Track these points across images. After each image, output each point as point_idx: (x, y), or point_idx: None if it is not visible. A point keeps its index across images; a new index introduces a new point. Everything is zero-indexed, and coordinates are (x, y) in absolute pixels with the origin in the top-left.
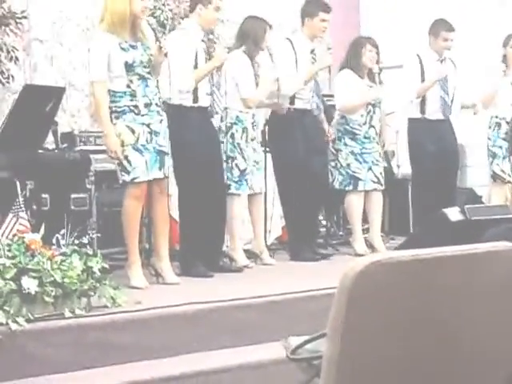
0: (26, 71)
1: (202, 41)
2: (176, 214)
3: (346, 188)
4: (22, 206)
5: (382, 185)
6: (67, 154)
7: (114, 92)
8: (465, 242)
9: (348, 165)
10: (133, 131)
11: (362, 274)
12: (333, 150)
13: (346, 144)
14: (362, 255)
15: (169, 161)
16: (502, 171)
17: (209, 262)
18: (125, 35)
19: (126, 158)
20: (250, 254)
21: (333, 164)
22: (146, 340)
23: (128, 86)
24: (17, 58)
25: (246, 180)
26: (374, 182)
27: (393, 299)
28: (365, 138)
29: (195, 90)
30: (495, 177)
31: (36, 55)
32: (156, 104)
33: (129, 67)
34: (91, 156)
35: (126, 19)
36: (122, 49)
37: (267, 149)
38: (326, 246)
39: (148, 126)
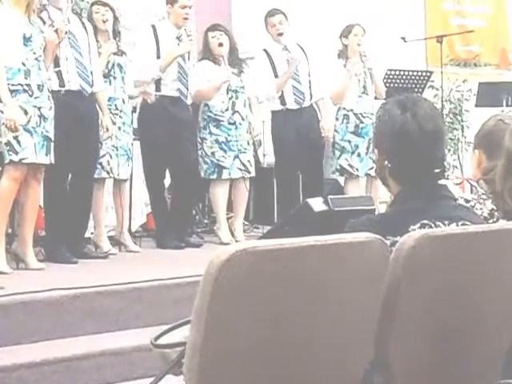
0: None
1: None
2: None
3: (211, 177)
4: None
5: (249, 172)
6: None
7: (8, 68)
8: (328, 232)
9: (213, 153)
10: (26, 112)
11: (227, 262)
12: (199, 140)
13: (211, 132)
14: (228, 244)
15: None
16: (350, 166)
17: (73, 248)
18: (21, 14)
19: (15, 137)
20: (114, 241)
21: (199, 153)
22: (8, 326)
23: (23, 64)
24: None
25: (100, 164)
26: (240, 169)
27: (256, 288)
28: (229, 124)
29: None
30: (342, 171)
31: None
32: (47, 89)
33: (26, 41)
34: None
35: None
36: (19, 23)
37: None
38: (191, 233)
39: (39, 109)
